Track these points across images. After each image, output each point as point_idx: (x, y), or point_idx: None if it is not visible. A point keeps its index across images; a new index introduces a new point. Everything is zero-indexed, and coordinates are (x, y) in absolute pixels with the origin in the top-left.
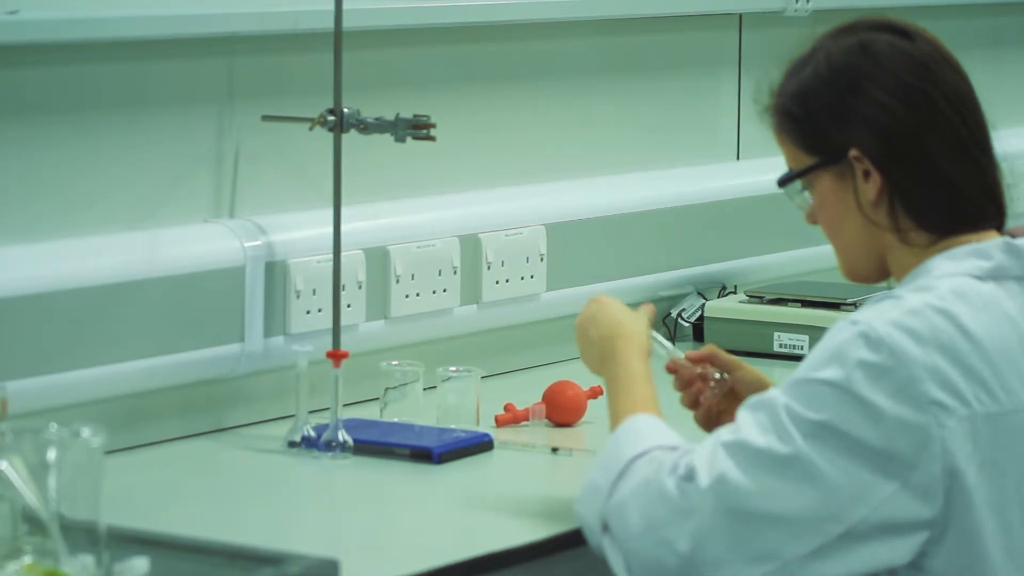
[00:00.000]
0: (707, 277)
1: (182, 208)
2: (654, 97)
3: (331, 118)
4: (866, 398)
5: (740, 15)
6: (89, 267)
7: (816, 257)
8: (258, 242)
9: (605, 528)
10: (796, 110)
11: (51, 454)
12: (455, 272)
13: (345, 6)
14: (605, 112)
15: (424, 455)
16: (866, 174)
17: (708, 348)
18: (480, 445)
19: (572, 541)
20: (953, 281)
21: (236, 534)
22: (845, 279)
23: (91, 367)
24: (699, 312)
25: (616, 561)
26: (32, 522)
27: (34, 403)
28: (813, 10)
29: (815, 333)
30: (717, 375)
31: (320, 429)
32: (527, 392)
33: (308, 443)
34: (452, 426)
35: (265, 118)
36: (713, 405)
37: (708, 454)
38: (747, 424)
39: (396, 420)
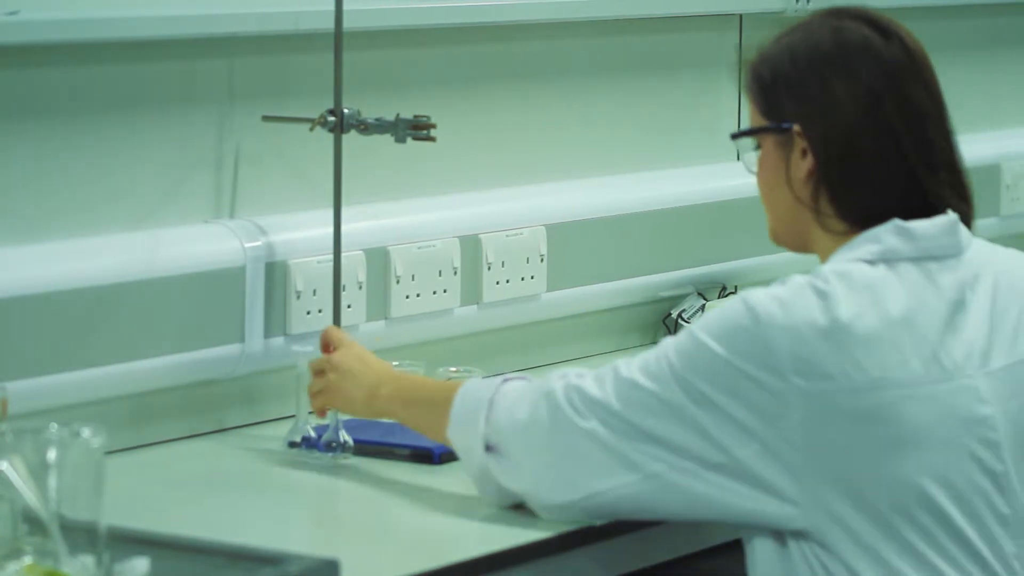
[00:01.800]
0: (707, 277)
1: (182, 208)
2: (654, 97)
3: (331, 118)
4: (732, 361)
5: (741, 16)
6: (90, 267)
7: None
8: (258, 242)
9: (488, 448)
10: (764, 73)
11: (51, 454)
12: (455, 272)
13: (345, 7)
14: (605, 112)
15: (424, 455)
16: (803, 152)
17: None
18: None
19: (572, 541)
20: (840, 264)
21: (236, 534)
22: (772, 241)
23: (92, 367)
24: (699, 312)
25: (505, 469)
26: (32, 522)
27: (34, 403)
28: (813, 10)
29: None
30: None
31: (320, 429)
32: None
33: (308, 443)
34: None
35: (265, 118)
36: None
37: (597, 376)
38: (638, 360)
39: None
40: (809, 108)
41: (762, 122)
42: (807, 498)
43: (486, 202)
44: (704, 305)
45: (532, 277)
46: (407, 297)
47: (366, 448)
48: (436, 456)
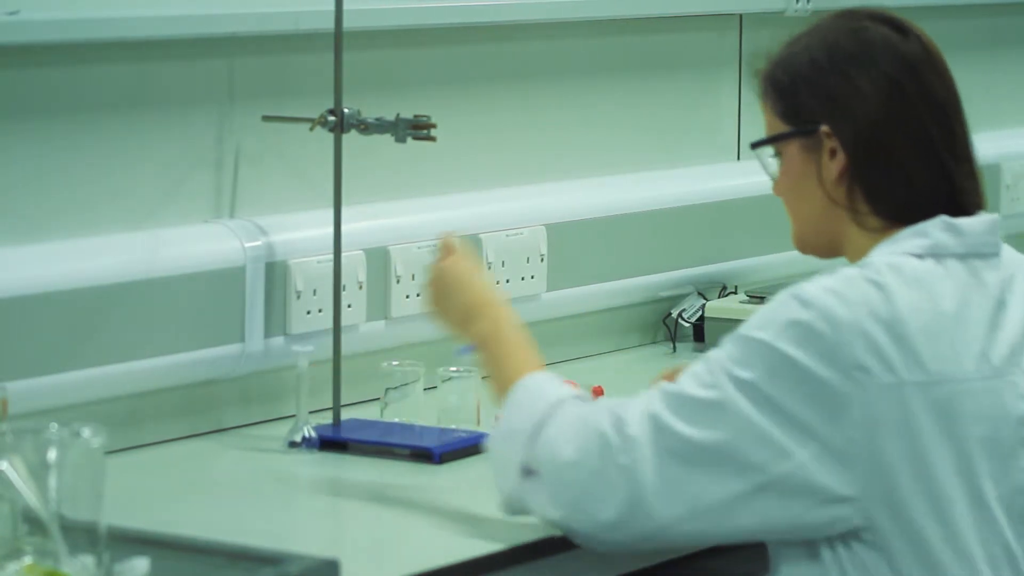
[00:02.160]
0: (707, 277)
1: (182, 208)
2: (655, 97)
3: (331, 118)
4: (791, 357)
5: (741, 16)
6: (90, 267)
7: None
8: (258, 242)
9: (527, 472)
10: (781, 77)
11: (51, 454)
12: None
13: (345, 6)
14: (605, 112)
15: (425, 455)
16: (832, 152)
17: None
18: (481, 445)
19: (572, 542)
20: (890, 257)
21: (236, 534)
22: (797, 249)
23: (92, 367)
24: (700, 312)
25: (539, 500)
26: (32, 522)
27: (34, 403)
28: (813, 10)
29: None
30: None
31: (321, 429)
32: None
33: (309, 443)
34: (453, 426)
35: (265, 118)
36: None
37: (646, 398)
38: (686, 375)
39: (397, 420)
40: (835, 106)
41: (783, 127)
42: (860, 497)
43: (486, 202)
44: (704, 305)
45: (532, 277)
46: (407, 297)
47: (366, 448)
48: (437, 456)
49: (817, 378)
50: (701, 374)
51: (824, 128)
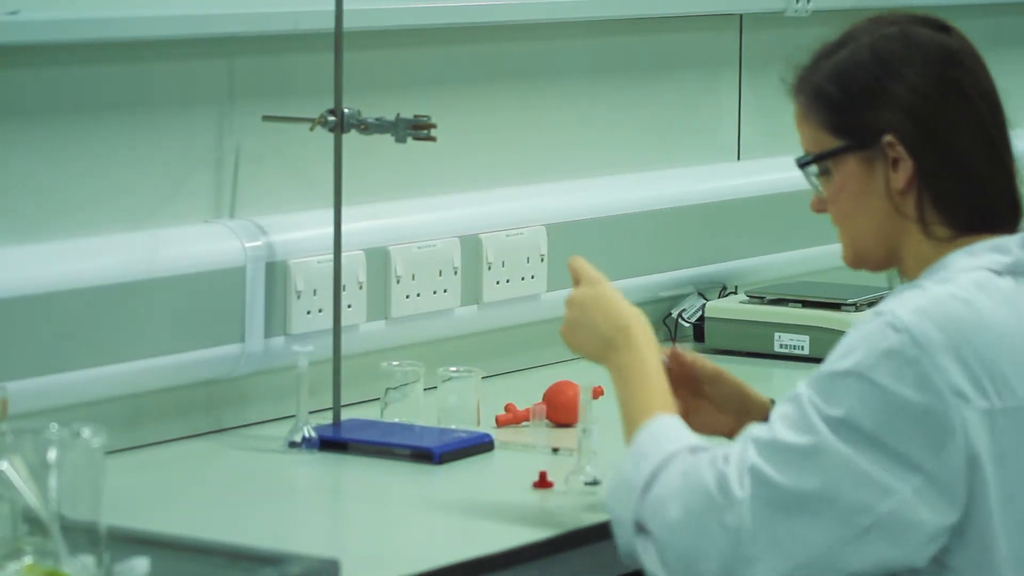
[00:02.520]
0: (707, 277)
1: (183, 208)
2: (654, 97)
3: (332, 118)
4: (889, 388)
5: (741, 16)
6: (90, 267)
7: (817, 257)
8: (259, 242)
9: (639, 528)
10: (832, 90)
11: (52, 454)
12: (455, 272)
13: (345, 7)
14: (605, 112)
15: (425, 455)
16: (895, 162)
17: (691, 355)
18: (481, 445)
19: (572, 541)
20: (974, 274)
21: (237, 534)
22: (848, 267)
23: (92, 367)
24: (699, 312)
25: (650, 558)
26: (32, 522)
27: (35, 403)
28: (813, 10)
29: (815, 333)
30: None
31: (321, 430)
32: (528, 392)
33: (309, 443)
34: (453, 426)
35: (266, 118)
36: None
37: (740, 451)
38: (777, 420)
39: (397, 420)
40: (896, 112)
41: (835, 142)
42: (956, 527)
43: (486, 202)
44: (704, 305)
45: (532, 277)
46: (407, 297)
47: (366, 448)
48: (437, 456)
49: (916, 407)
50: (792, 417)
51: (888, 138)
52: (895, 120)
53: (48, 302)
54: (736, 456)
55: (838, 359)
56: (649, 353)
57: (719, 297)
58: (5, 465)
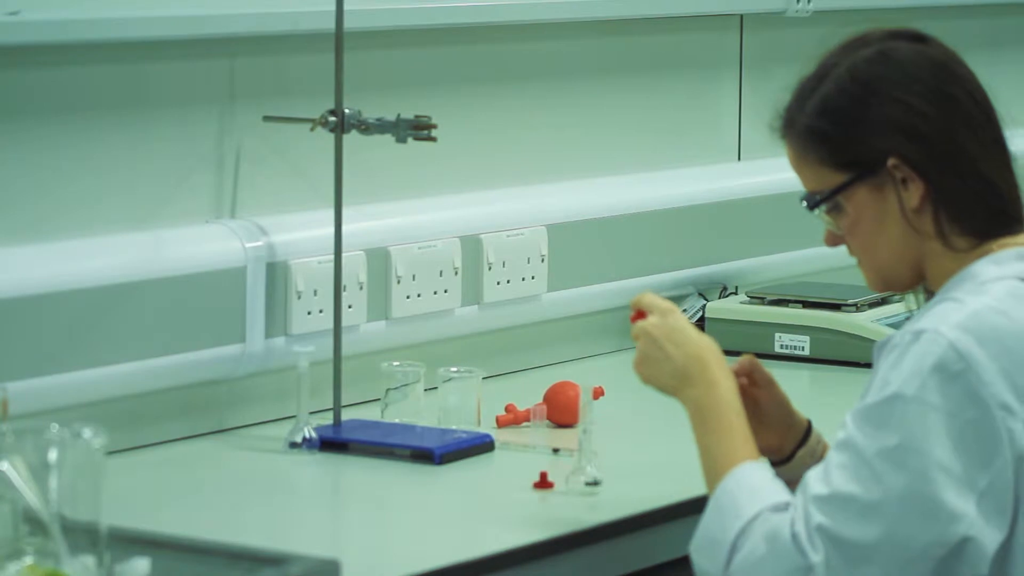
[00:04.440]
0: (708, 278)
1: (183, 209)
2: (655, 98)
3: (332, 119)
4: (939, 405)
5: (741, 16)
6: (90, 268)
7: (817, 258)
8: (259, 243)
9: None
10: (824, 126)
11: (52, 455)
12: (456, 273)
13: (346, 7)
14: (606, 113)
15: (425, 456)
16: (904, 182)
17: (748, 360)
18: (481, 446)
19: (572, 542)
20: (1005, 284)
21: (237, 535)
22: (874, 291)
23: (92, 368)
24: (700, 313)
25: None
26: (33, 523)
27: (35, 404)
28: (814, 11)
29: (816, 334)
30: None
31: (321, 430)
32: (528, 393)
33: (309, 444)
34: (453, 427)
35: (266, 119)
36: None
37: (804, 512)
38: (833, 470)
39: (397, 421)
40: (894, 134)
41: (838, 176)
42: (1008, 538)
43: (486, 202)
44: (705, 306)
45: (533, 277)
46: (408, 297)
47: (367, 448)
48: (437, 457)
49: (967, 423)
50: (849, 465)
51: (892, 160)
52: (895, 141)
53: (48, 302)
54: (801, 516)
55: (882, 386)
56: (726, 385)
57: (719, 297)
58: (6, 465)
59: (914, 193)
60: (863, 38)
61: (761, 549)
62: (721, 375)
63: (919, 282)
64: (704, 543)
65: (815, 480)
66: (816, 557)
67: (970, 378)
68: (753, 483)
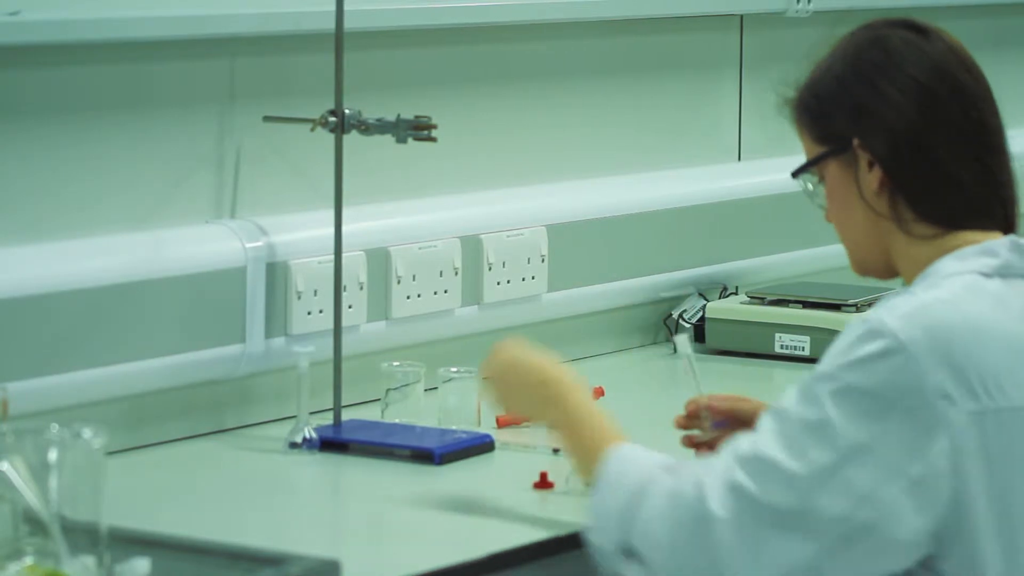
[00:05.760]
0: (708, 278)
1: (183, 209)
2: (655, 98)
3: (332, 119)
4: (875, 392)
5: (741, 16)
6: (90, 268)
7: (817, 258)
8: (259, 243)
9: (628, 554)
10: (809, 101)
11: (52, 455)
12: (456, 273)
13: (346, 7)
14: (606, 113)
15: (425, 456)
16: (869, 164)
17: (732, 403)
18: (481, 446)
19: (572, 543)
20: (963, 278)
21: (237, 535)
22: (855, 275)
23: (92, 368)
24: (700, 313)
25: None
26: (33, 523)
27: (35, 404)
28: (814, 11)
29: (816, 334)
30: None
31: (321, 430)
32: None
33: (309, 444)
34: (453, 427)
35: (266, 119)
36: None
37: (724, 466)
38: (762, 431)
39: (397, 421)
40: (865, 118)
41: (819, 149)
42: (937, 530)
43: (487, 202)
44: (705, 306)
45: (533, 277)
46: (408, 298)
47: (367, 449)
48: (437, 457)
49: (898, 410)
50: (775, 430)
51: (856, 141)
52: (864, 126)
53: (48, 302)
54: (720, 471)
55: (826, 365)
56: (577, 395)
57: (720, 298)
58: (6, 466)
59: (874, 176)
60: (872, 24)
61: (662, 505)
62: (570, 387)
63: (893, 273)
64: (600, 520)
65: (744, 440)
66: (722, 512)
67: (910, 366)
68: (636, 455)
